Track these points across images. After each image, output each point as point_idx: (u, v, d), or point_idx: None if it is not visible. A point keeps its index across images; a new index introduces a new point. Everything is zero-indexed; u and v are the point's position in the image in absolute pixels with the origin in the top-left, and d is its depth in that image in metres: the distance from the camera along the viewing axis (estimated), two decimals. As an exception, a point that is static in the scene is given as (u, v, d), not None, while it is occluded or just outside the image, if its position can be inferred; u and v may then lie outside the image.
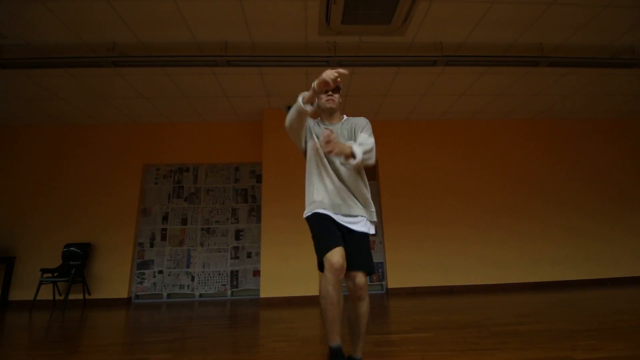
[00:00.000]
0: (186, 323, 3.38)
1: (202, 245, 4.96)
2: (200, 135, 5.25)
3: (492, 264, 4.93)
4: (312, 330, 2.89)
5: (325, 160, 1.77)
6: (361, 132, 1.81)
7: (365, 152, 1.63)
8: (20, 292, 4.53)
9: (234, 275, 4.88)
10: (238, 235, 5.01)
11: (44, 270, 4.33)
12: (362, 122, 1.88)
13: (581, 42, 3.57)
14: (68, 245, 4.71)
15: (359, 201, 1.79)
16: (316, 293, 4.36)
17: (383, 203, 5.13)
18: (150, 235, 4.97)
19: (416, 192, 5.16)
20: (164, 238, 4.96)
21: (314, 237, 1.71)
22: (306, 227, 1.80)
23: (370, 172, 5.31)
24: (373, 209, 1.84)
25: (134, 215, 4.93)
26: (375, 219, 1.85)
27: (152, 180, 5.18)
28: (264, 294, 4.34)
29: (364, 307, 1.68)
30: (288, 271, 4.39)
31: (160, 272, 4.85)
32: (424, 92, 4.55)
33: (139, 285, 4.82)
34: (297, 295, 4.32)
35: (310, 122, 1.88)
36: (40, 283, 4.26)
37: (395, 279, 4.86)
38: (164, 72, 3.90)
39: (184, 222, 5.03)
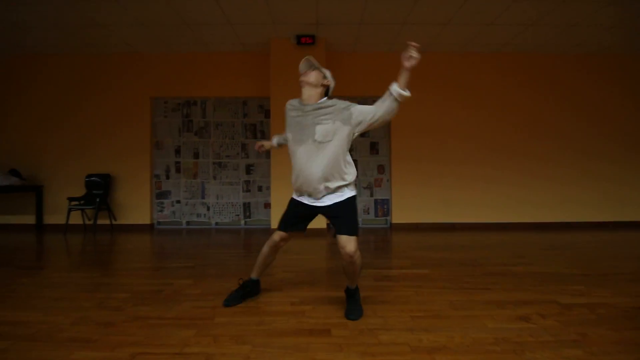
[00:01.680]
0: (205, 250, 3.74)
1: (215, 178, 5.16)
2: (205, 67, 5.03)
3: (495, 202, 5.06)
4: (318, 263, 3.18)
5: (296, 143, 1.88)
6: (359, 111, 1.83)
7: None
8: (53, 217, 4.98)
9: (247, 206, 5.18)
10: (249, 169, 5.16)
11: (71, 199, 4.67)
12: (345, 104, 1.86)
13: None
14: (89, 176, 4.97)
15: (324, 184, 1.83)
16: (323, 226, 4.66)
17: (393, 143, 5.09)
18: (165, 168, 5.17)
19: (424, 132, 5.06)
20: (178, 170, 5.16)
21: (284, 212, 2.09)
22: None
23: (382, 109, 5.14)
24: (343, 183, 1.85)
25: (148, 148, 5.07)
26: (350, 192, 1.90)
27: (162, 113, 5.17)
28: (275, 225, 4.64)
29: (352, 267, 1.86)
30: (297, 205, 4.61)
31: (178, 202, 5.17)
32: (447, 20, 4.11)
33: (160, 213, 5.20)
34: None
35: (288, 109, 2.00)
36: (70, 210, 4.64)
37: (400, 215, 5.09)
38: (161, -4, 3.57)
39: (196, 155, 5.16)
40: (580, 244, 4.02)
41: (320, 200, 1.89)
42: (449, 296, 2.25)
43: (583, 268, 2.91)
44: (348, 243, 1.79)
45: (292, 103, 1.98)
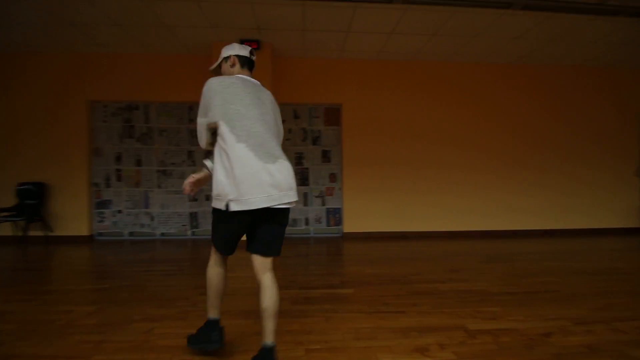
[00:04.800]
0: (130, 266, 3.49)
1: (159, 187, 4.94)
2: (148, 69, 4.79)
3: (447, 210, 5.08)
4: (239, 282, 3.02)
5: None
6: None
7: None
8: (-19, 228, 4.62)
9: (194, 216, 4.98)
10: (195, 177, 4.96)
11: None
12: None
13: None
14: (21, 184, 4.64)
15: None
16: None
17: (344, 147, 5.01)
18: (104, 176, 4.90)
19: (379, 136, 5.02)
20: (119, 179, 4.91)
21: None
22: None
23: (334, 117, 5.06)
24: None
25: (85, 155, 4.78)
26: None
27: (101, 117, 4.89)
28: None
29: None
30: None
31: (120, 211, 4.92)
32: (390, 30, 4.06)
33: (100, 223, 4.93)
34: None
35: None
36: (-3, 222, 4.32)
37: (352, 224, 5.02)
38: (83, -3, 3.34)
39: (139, 163, 4.91)
40: (521, 255, 4.01)
41: None
42: (359, 323, 2.16)
43: (511, 284, 2.86)
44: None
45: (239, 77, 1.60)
